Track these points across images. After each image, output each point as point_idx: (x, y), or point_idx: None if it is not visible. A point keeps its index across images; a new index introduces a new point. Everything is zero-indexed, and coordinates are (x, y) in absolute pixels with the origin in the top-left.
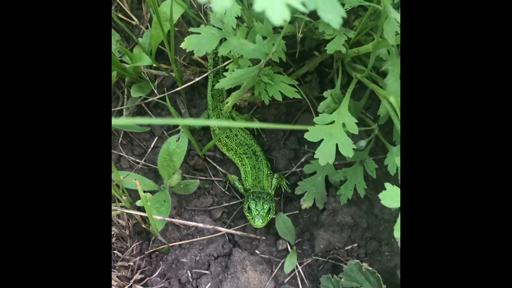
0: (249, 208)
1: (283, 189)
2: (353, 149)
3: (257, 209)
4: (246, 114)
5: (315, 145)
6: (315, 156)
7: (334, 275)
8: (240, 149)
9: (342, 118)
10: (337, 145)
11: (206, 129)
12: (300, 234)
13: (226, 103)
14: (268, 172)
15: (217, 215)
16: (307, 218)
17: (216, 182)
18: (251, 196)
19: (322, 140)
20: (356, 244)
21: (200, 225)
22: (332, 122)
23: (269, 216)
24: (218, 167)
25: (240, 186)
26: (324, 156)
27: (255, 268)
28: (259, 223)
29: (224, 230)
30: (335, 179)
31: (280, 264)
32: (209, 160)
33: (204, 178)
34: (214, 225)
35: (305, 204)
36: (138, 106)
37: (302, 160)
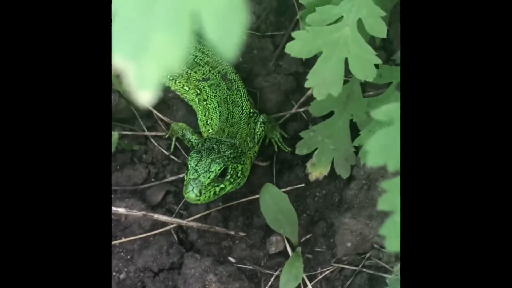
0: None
1: (275, 146)
2: (377, 65)
3: (195, 170)
4: None
5: None
6: (306, 85)
7: None
8: (196, 72)
9: (358, 11)
10: (346, 60)
11: None
12: (309, 225)
13: None
14: (251, 110)
15: (156, 198)
16: (321, 197)
17: (152, 140)
18: (197, 147)
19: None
20: None
21: (125, 212)
22: (340, 19)
23: (221, 187)
24: (155, 111)
25: (194, 138)
26: (323, 82)
27: None
28: (191, 194)
29: (170, 221)
30: (363, 118)
31: (272, 280)
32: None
33: (130, 132)
34: (150, 214)
35: (316, 171)
36: None
37: (310, 92)
